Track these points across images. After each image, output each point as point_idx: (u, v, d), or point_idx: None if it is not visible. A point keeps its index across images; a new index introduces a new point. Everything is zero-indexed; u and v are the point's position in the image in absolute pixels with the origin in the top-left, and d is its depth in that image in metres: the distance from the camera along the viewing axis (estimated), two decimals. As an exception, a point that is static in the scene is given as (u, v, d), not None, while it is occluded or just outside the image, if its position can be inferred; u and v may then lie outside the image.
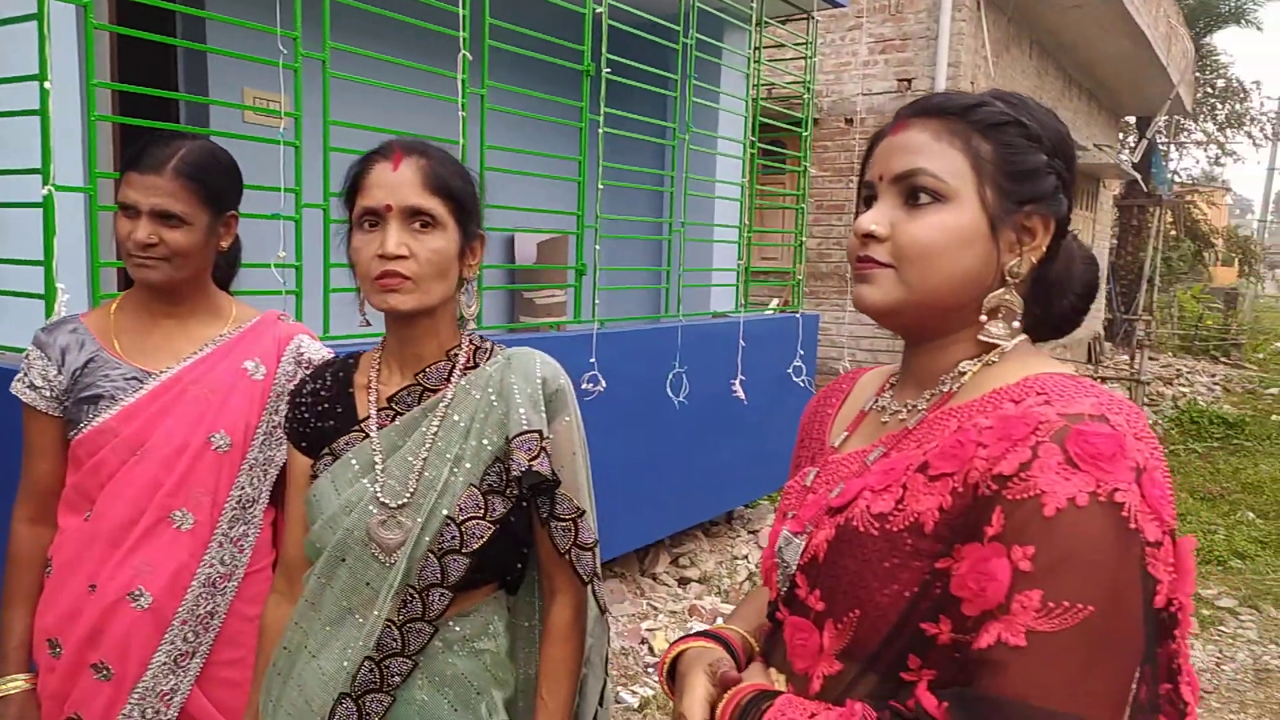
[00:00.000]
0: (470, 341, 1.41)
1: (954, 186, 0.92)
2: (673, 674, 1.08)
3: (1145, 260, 15.88)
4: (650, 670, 3.72)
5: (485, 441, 1.32)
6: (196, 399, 1.63)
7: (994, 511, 0.80)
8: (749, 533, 5.41)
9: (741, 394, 4.60)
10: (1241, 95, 22.25)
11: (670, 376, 4.27)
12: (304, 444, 1.42)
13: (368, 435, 1.35)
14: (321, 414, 1.41)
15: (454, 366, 1.37)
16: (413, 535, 1.28)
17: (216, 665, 1.64)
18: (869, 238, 0.95)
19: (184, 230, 1.59)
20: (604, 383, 3.70)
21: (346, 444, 1.36)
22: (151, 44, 2.63)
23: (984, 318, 0.95)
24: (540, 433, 1.31)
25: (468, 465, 1.31)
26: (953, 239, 0.92)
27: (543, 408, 1.33)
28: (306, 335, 1.78)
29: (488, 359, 1.39)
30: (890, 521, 0.88)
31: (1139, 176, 14.26)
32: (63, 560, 1.61)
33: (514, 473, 1.29)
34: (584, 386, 3.66)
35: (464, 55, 3.13)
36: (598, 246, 3.91)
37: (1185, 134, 20.93)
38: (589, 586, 1.36)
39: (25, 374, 1.63)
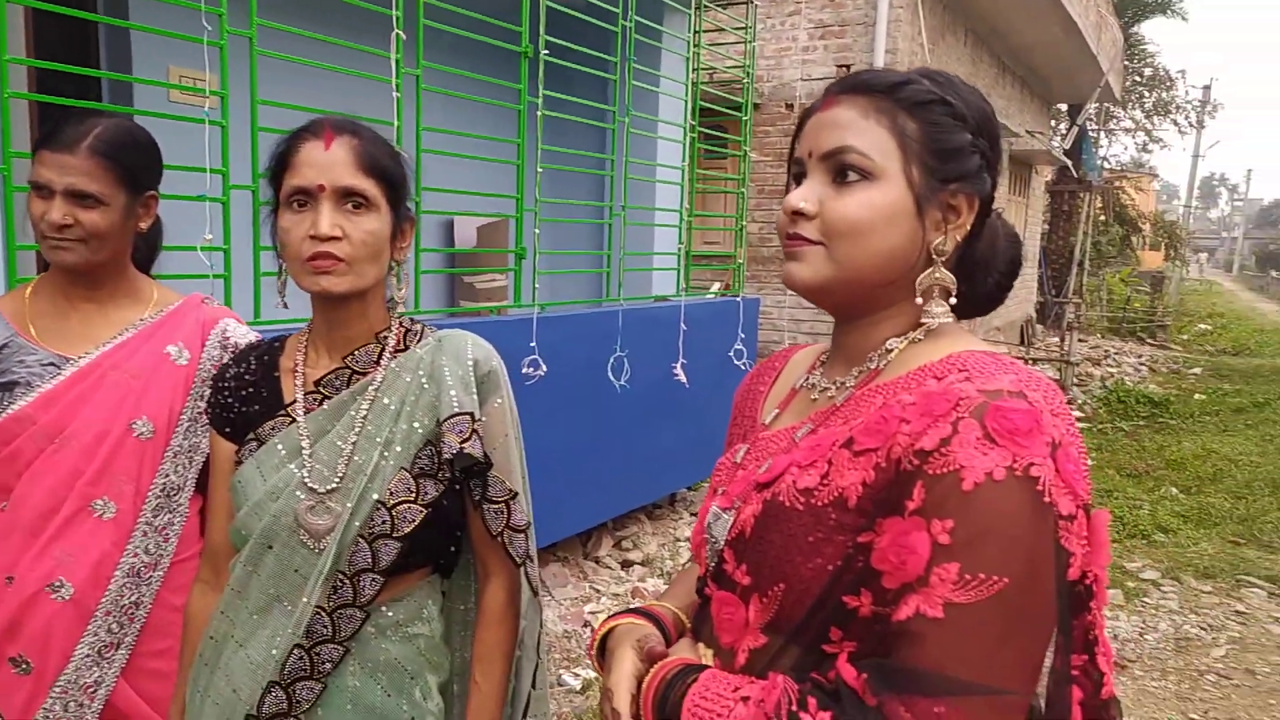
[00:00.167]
0: (400, 324, 1.39)
1: (881, 165, 0.93)
2: (604, 650, 1.08)
3: (1076, 245, 16.30)
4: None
5: (416, 424, 1.31)
6: (117, 385, 1.59)
7: (915, 486, 0.81)
8: (691, 515, 5.44)
9: (683, 377, 4.62)
10: (1168, 84, 22.93)
11: (612, 360, 4.27)
12: (228, 429, 1.39)
13: (294, 420, 1.32)
14: (246, 398, 1.38)
15: (383, 349, 1.35)
16: (342, 520, 1.26)
17: (143, 656, 1.61)
18: (798, 215, 0.96)
19: (100, 211, 1.54)
20: (545, 367, 3.68)
21: (272, 429, 1.33)
22: (72, 19, 2.53)
23: (920, 299, 0.96)
24: (472, 415, 1.30)
25: (398, 449, 1.29)
26: (880, 217, 0.93)
27: (474, 390, 1.32)
28: (233, 319, 1.74)
29: (418, 341, 1.37)
30: (815, 496, 0.88)
31: (1070, 163, 14.58)
32: (-22, 552, 1.56)
33: (445, 455, 1.28)
34: (525, 371, 3.64)
35: (397, 34, 3.07)
36: (538, 230, 3.88)
37: (1114, 121, 21.48)
38: (522, 569, 1.35)
39: (-66, 361, 1.57)
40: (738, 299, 5.31)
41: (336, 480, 1.28)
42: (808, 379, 1.10)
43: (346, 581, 1.27)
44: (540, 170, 3.84)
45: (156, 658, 1.61)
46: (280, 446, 1.31)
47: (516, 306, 3.99)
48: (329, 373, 1.35)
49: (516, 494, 1.34)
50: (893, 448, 0.84)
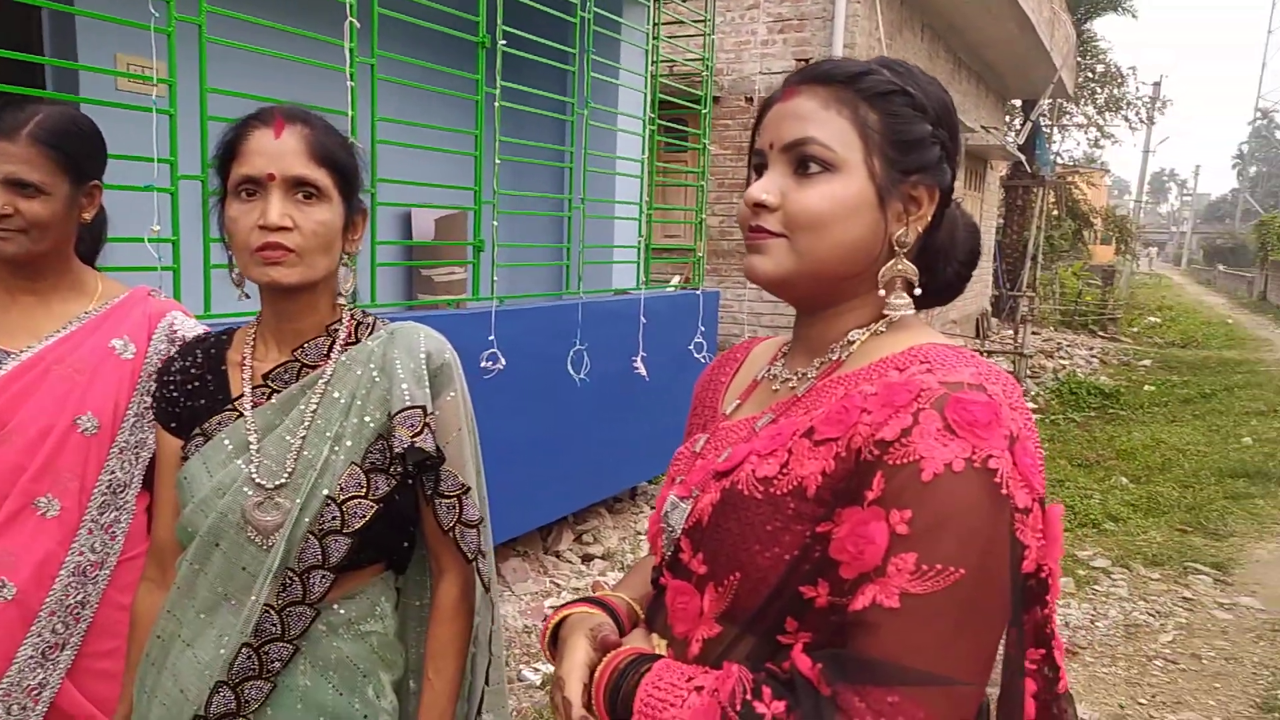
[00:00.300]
0: (352, 316, 1.36)
1: (843, 156, 0.93)
2: (556, 640, 1.07)
3: (1029, 239, 16.55)
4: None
5: (367, 418, 1.28)
6: (61, 379, 1.54)
7: (875, 476, 0.81)
8: (652, 508, 5.44)
9: (643, 371, 4.61)
10: (1119, 80, 23.32)
11: (571, 354, 4.25)
12: (173, 424, 1.35)
13: (241, 414, 1.29)
14: (192, 392, 1.34)
15: (334, 342, 1.33)
16: (291, 516, 1.24)
17: (90, 657, 1.57)
18: (760, 207, 0.95)
19: (41, 200, 1.50)
20: (504, 360, 3.66)
21: (219, 424, 1.30)
22: (14, 3, 2.46)
23: (882, 291, 0.96)
24: (424, 409, 1.28)
25: (349, 443, 1.27)
26: (842, 208, 0.92)
27: (426, 383, 1.30)
28: (180, 312, 1.70)
29: (370, 334, 1.35)
30: (774, 485, 0.88)
31: (1024, 158, 14.80)
32: (-85, 552, 1.51)
33: (397, 450, 1.26)
34: (484, 365, 3.61)
35: (351, 22, 3.02)
36: (496, 222, 3.85)
37: (1067, 117, 21.81)
38: (474, 564, 1.33)
39: None
40: (698, 292, 5.32)
41: (285, 475, 1.25)
42: (769, 370, 1.09)
43: (296, 579, 1.25)
44: (499, 162, 3.81)
45: (103, 658, 1.57)
46: (227, 441, 1.28)
47: (475, 299, 3.95)
48: (278, 366, 1.32)
49: (469, 489, 1.32)
50: (853, 437, 0.84)
